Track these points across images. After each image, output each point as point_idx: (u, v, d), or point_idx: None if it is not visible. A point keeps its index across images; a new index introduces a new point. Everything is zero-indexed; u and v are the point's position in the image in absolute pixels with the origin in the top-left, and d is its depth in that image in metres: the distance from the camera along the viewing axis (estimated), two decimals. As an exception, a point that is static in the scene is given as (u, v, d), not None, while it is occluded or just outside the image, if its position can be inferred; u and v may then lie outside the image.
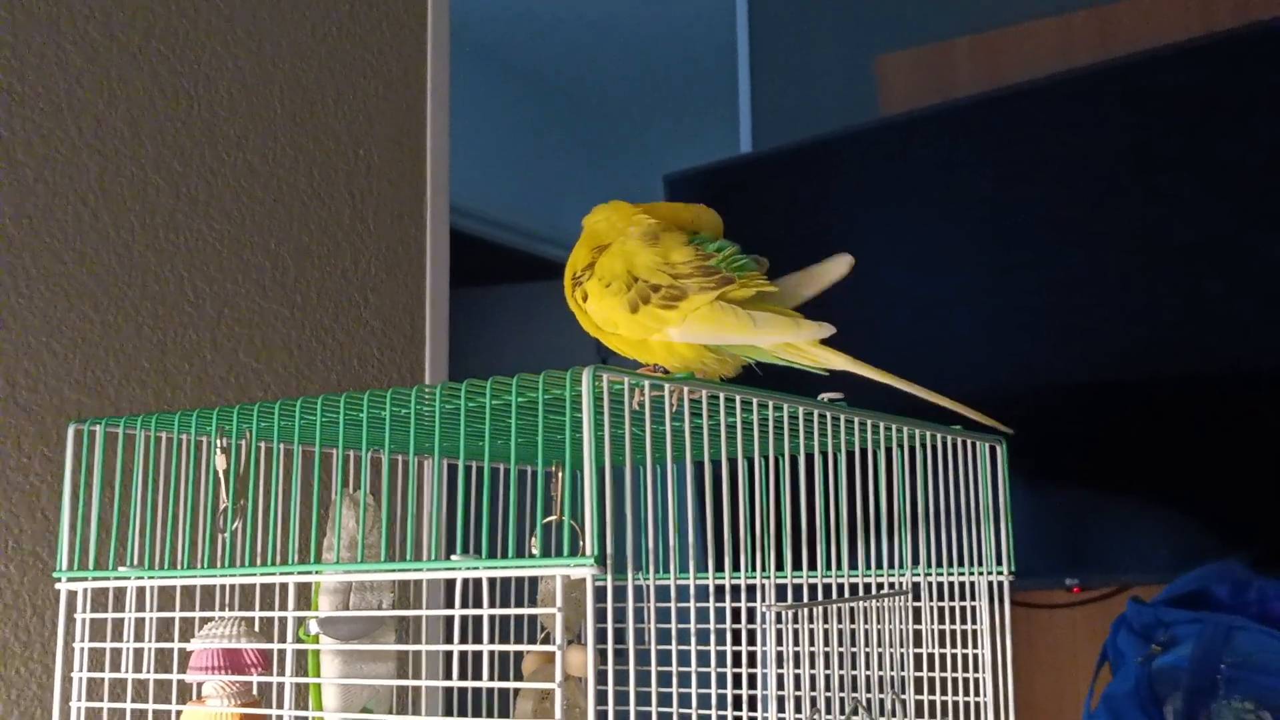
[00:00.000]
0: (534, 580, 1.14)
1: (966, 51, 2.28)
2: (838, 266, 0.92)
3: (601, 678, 0.75)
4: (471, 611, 0.81)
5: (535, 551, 1.14)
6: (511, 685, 0.89)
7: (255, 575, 0.92)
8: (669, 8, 3.14)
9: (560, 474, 1.17)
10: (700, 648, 0.86)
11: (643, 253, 0.88)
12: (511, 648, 0.82)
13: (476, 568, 0.81)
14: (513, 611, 0.82)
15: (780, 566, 0.96)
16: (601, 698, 0.75)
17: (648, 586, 0.79)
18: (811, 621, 0.95)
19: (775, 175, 2.25)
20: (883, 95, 2.36)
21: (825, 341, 0.88)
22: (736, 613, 1.16)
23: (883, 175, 2.12)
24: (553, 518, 1.16)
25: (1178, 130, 1.83)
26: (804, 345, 0.88)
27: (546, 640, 1.14)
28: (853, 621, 0.98)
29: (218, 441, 1.00)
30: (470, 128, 3.11)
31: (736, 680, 1.13)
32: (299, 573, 0.90)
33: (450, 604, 0.84)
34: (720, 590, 1.11)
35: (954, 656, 1.09)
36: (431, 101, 1.72)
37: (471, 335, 3.26)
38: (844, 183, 2.16)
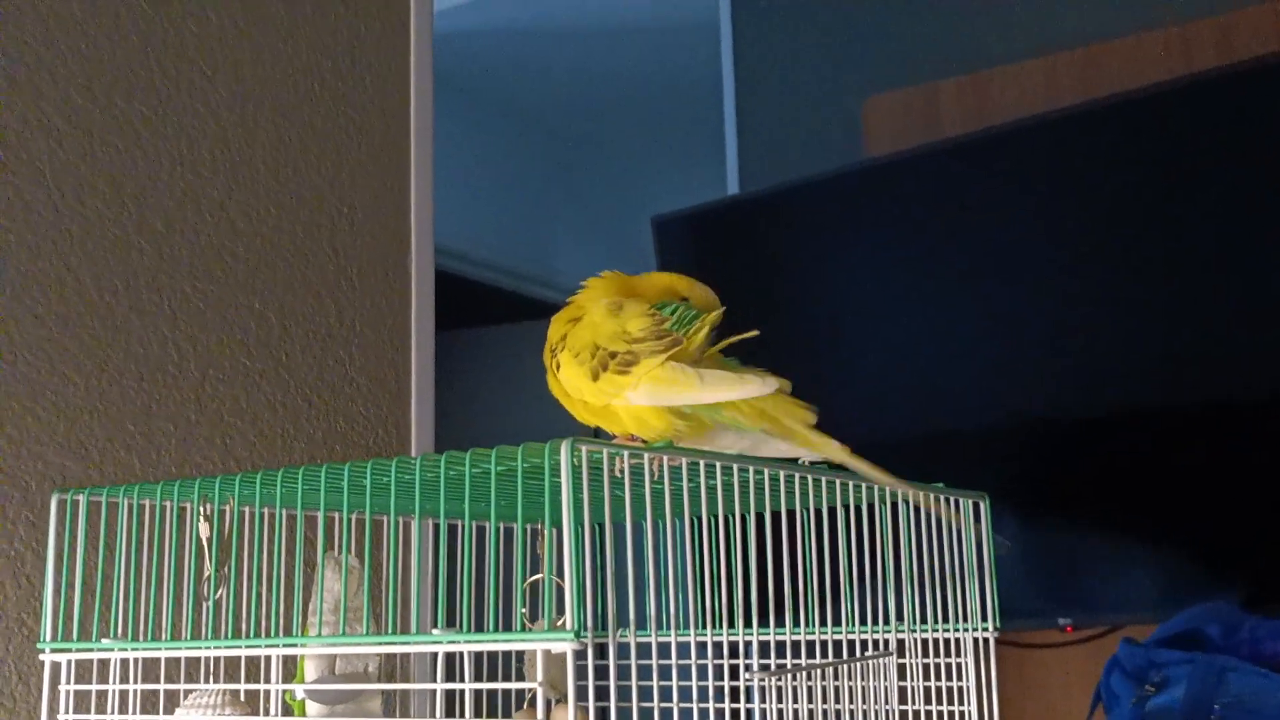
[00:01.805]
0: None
1: (952, 93, 2.29)
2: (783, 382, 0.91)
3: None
4: (454, 686, 0.81)
5: (524, 609, 1.14)
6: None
7: (240, 648, 0.91)
8: (655, 50, 3.16)
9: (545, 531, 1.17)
10: (683, 705, 0.85)
11: (606, 323, 0.91)
12: (494, 721, 0.82)
13: (458, 641, 0.81)
14: (497, 685, 0.82)
15: (764, 623, 0.96)
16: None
17: (631, 647, 0.79)
18: (795, 680, 0.95)
19: (762, 217, 2.26)
20: (869, 137, 2.37)
21: (820, 426, 0.89)
22: (721, 669, 1.16)
23: (869, 217, 2.12)
24: (537, 577, 1.16)
25: (1162, 170, 1.83)
26: (795, 427, 0.89)
27: (535, 699, 1.14)
28: (837, 679, 0.98)
29: (200, 509, 1.00)
30: (460, 172, 3.12)
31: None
32: (283, 645, 0.90)
33: (438, 671, 0.84)
34: (705, 648, 1.11)
35: (941, 714, 1.09)
36: (415, 156, 1.72)
37: (461, 377, 3.26)
38: (831, 224, 2.16)
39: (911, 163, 2.08)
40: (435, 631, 0.81)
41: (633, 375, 0.88)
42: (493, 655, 0.93)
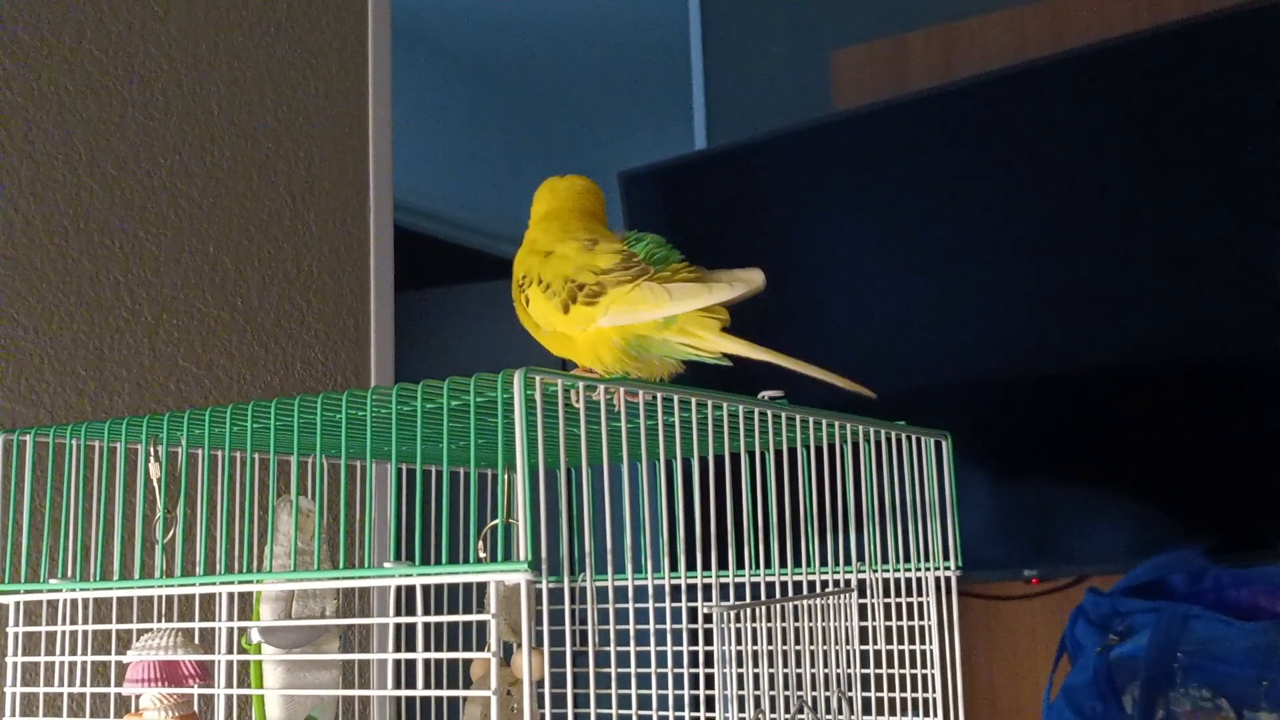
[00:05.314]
0: (483, 585, 1.13)
1: (920, 45, 2.28)
2: (751, 277, 0.91)
3: (557, 680, 0.73)
4: (406, 619, 0.80)
5: (484, 555, 1.13)
6: (448, 694, 0.87)
7: (192, 585, 0.90)
8: (622, 3, 3.13)
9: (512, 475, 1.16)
10: (639, 649, 0.85)
11: (578, 257, 0.93)
12: (446, 655, 0.80)
13: (410, 575, 0.79)
14: (447, 619, 0.81)
15: (724, 566, 0.95)
16: (542, 701, 0.74)
17: (590, 589, 0.78)
18: (754, 620, 0.94)
19: (730, 171, 2.24)
20: (837, 90, 2.35)
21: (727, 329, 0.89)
22: (681, 613, 1.15)
23: (838, 170, 2.11)
24: (494, 522, 1.15)
25: (1129, 122, 1.83)
26: (700, 333, 0.88)
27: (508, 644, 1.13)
28: (797, 620, 0.97)
29: (150, 449, 0.98)
30: (424, 128, 3.09)
31: (678, 680, 1.12)
32: (237, 582, 0.89)
33: (399, 610, 0.83)
34: (663, 591, 1.10)
35: (902, 653, 1.08)
36: (373, 100, 1.70)
37: (427, 337, 3.23)
38: (799, 178, 2.15)
39: (879, 115, 2.07)
40: (388, 565, 0.80)
41: (600, 305, 0.89)
42: (454, 593, 0.92)
